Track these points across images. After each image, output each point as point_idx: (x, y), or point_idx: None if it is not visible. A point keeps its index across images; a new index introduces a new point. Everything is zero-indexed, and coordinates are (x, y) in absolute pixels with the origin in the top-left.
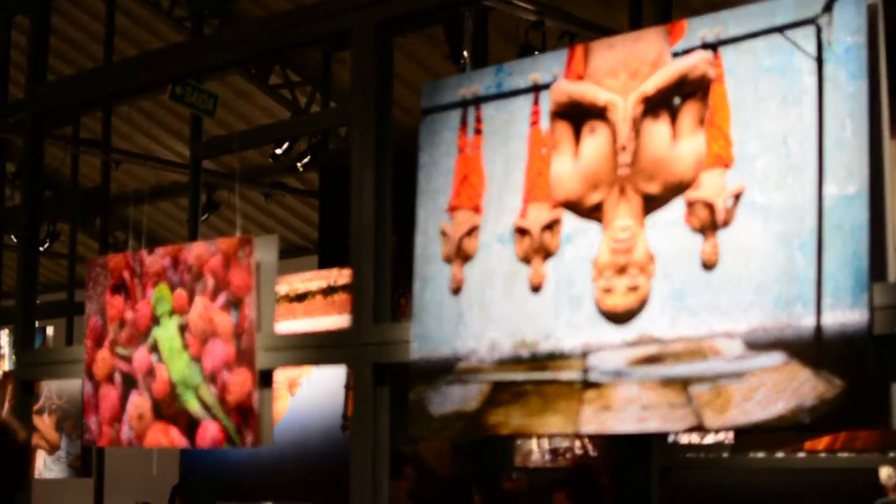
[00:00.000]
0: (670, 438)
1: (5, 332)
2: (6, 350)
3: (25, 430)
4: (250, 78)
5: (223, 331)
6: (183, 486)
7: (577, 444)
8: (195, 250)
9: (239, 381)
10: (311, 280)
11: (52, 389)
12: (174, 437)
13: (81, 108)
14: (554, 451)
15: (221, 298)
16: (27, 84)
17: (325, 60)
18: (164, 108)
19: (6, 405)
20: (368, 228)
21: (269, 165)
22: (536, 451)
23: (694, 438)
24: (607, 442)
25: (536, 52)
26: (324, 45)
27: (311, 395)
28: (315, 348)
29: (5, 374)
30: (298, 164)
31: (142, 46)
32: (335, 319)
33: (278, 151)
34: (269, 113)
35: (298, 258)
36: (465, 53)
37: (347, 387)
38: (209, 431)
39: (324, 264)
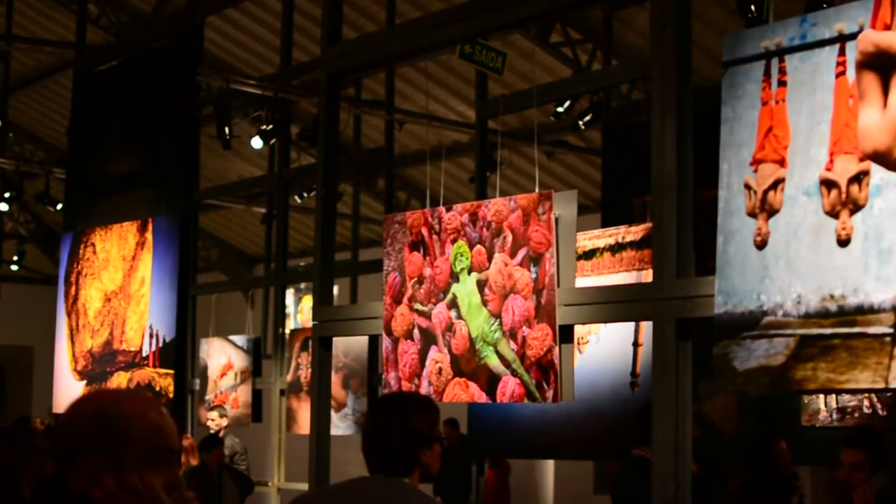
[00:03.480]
0: None
1: (290, 291)
2: (292, 309)
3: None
4: (531, 37)
5: (523, 287)
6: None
7: (866, 403)
8: (494, 207)
9: (539, 337)
10: (599, 237)
11: (338, 347)
12: (474, 393)
13: (373, 68)
14: (842, 410)
15: (521, 254)
16: (322, 45)
17: (606, 18)
18: (446, 68)
19: (293, 361)
20: (670, 183)
21: (551, 123)
22: (823, 409)
23: None
24: None
25: (825, 5)
26: (605, 2)
27: (599, 351)
28: (615, 303)
29: (292, 332)
30: (580, 122)
31: (423, 7)
32: (623, 276)
33: (560, 110)
34: (550, 71)
35: (580, 216)
36: (752, 7)
37: (636, 343)
38: (509, 387)
39: (607, 222)
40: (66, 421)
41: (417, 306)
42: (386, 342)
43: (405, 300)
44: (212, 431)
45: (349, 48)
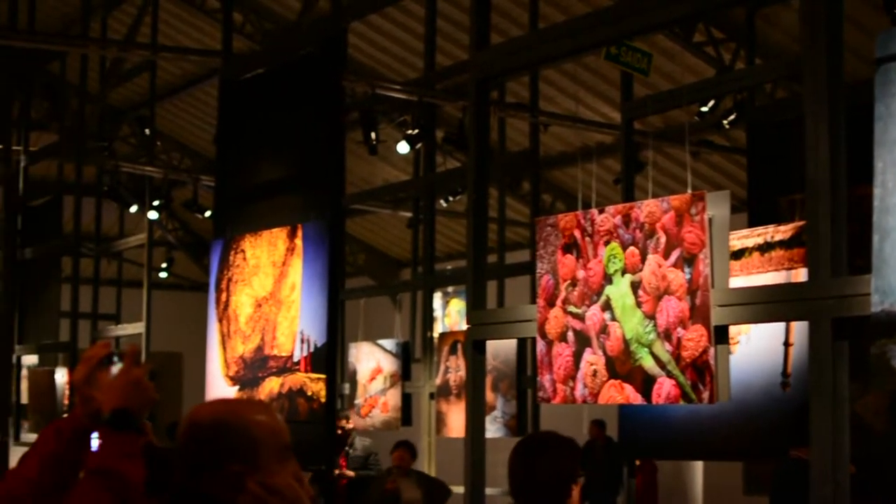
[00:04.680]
0: None
1: (438, 294)
2: (439, 312)
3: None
4: (674, 37)
5: (677, 287)
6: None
7: None
8: (647, 208)
9: (694, 338)
10: (747, 237)
11: (487, 350)
12: (629, 394)
13: (521, 72)
14: None
15: (674, 255)
16: (470, 50)
17: (748, 16)
18: (589, 69)
19: (442, 364)
20: (824, 182)
21: (695, 123)
22: None
23: None
24: None
25: None
26: (749, 1)
27: (749, 351)
28: (770, 304)
29: (441, 335)
30: (725, 122)
31: (565, 10)
32: (772, 276)
33: (704, 109)
34: (694, 71)
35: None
36: None
37: (786, 343)
38: (664, 388)
39: (754, 221)
40: (196, 432)
41: (571, 308)
42: (540, 345)
43: (559, 302)
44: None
45: (497, 53)
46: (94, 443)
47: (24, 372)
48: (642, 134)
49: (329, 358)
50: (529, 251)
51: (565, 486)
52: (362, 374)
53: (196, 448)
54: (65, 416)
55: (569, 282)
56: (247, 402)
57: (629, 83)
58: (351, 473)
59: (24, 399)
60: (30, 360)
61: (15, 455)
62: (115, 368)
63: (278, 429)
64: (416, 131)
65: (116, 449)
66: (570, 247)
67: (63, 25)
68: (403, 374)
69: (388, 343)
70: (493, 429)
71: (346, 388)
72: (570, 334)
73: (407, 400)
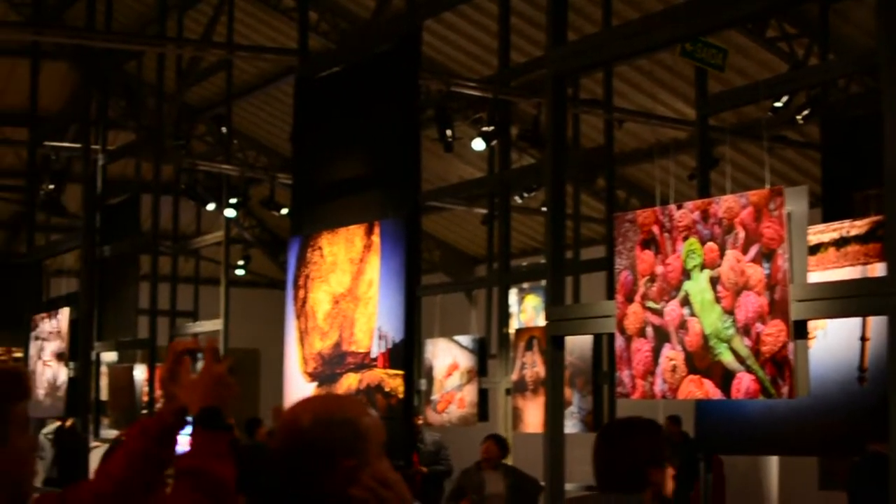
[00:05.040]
0: None
1: (513, 291)
2: (515, 308)
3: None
4: (747, 32)
5: (755, 283)
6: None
7: None
8: (725, 203)
9: (773, 333)
10: (823, 232)
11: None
12: (708, 390)
13: (597, 69)
14: None
15: (753, 251)
16: (547, 46)
17: (821, 12)
18: (662, 65)
19: (518, 360)
20: None
21: (768, 119)
22: None
23: None
24: None
25: None
26: None
27: (825, 346)
28: (848, 298)
29: (517, 331)
30: (798, 117)
31: (638, 6)
32: (848, 271)
33: (778, 105)
34: (767, 66)
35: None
36: None
37: (863, 338)
38: (743, 383)
39: (828, 216)
40: (305, 430)
41: (650, 304)
42: (619, 340)
43: (637, 298)
44: None
45: (574, 49)
46: (181, 440)
47: (104, 369)
48: (718, 130)
49: (407, 354)
50: (604, 247)
51: (646, 469)
52: (439, 369)
53: (306, 446)
54: (143, 411)
55: (647, 277)
56: (349, 399)
57: (703, 79)
58: (423, 469)
59: (104, 395)
60: (109, 356)
61: (95, 451)
62: (199, 364)
63: (380, 425)
64: (492, 128)
65: (206, 448)
66: (649, 242)
67: (140, 25)
68: (480, 370)
69: (465, 339)
70: (569, 424)
71: (423, 383)
72: (649, 329)
73: (483, 395)
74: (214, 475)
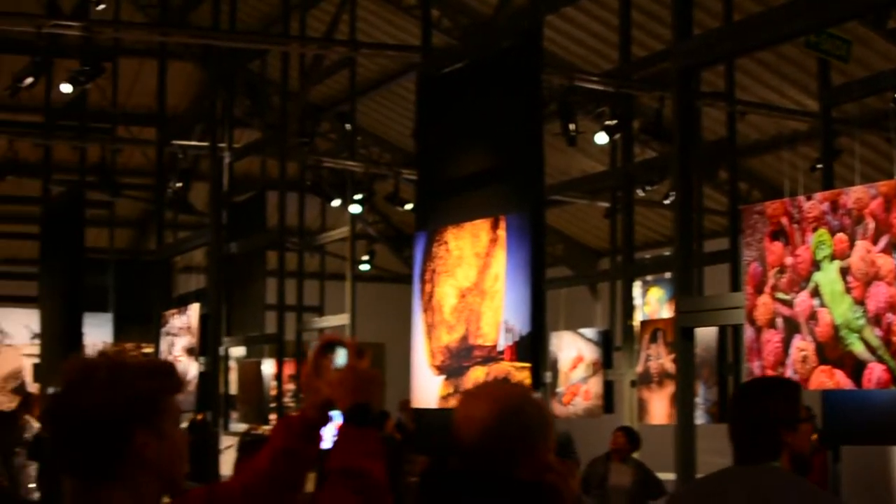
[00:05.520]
0: None
1: (637, 283)
2: (638, 301)
3: None
4: (867, 23)
5: (886, 273)
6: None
7: None
8: (854, 194)
9: None
10: None
11: None
12: (839, 380)
13: (723, 61)
14: None
15: (883, 241)
16: (674, 39)
17: None
18: (782, 57)
19: (643, 352)
20: None
21: (889, 110)
22: None
23: None
24: None
25: None
26: None
27: None
28: None
29: (642, 323)
30: None
31: (761, 1)
32: None
33: None
34: (887, 57)
35: None
36: None
37: None
38: (875, 373)
39: None
40: (505, 417)
41: (780, 295)
42: (748, 331)
43: (767, 289)
44: None
45: (699, 43)
46: (325, 436)
47: (232, 363)
48: (843, 122)
49: (534, 347)
50: (727, 239)
51: (779, 431)
52: (564, 362)
53: (507, 432)
54: (271, 405)
55: (777, 268)
56: (523, 388)
57: (826, 70)
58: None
59: (233, 390)
60: (237, 351)
61: (225, 444)
62: (339, 357)
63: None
64: (615, 122)
65: (357, 446)
66: (778, 234)
67: (263, 25)
68: (605, 363)
69: (589, 332)
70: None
71: (548, 376)
72: (779, 321)
73: (608, 388)
74: (367, 474)
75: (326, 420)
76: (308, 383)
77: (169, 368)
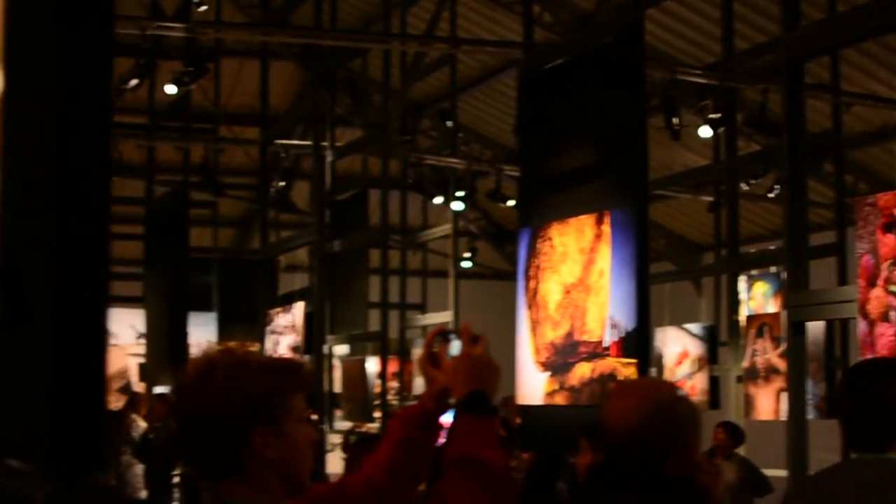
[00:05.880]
0: None
1: (742, 278)
2: (744, 296)
3: None
4: None
5: None
6: None
7: None
8: None
9: None
10: None
11: None
12: None
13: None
14: None
15: None
16: (783, 31)
17: None
18: (887, 48)
19: (749, 347)
20: None
21: None
22: None
23: None
24: None
25: None
26: None
27: None
28: None
29: (748, 318)
30: None
31: None
32: None
33: None
34: None
35: None
36: None
37: None
38: None
39: None
40: (660, 413)
41: (893, 288)
42: (861, 325)
43: (880, 282)
44: None
45: (808, 33)
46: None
47: (336, 361)
48: None
49: (640, 342)
50: (833, 232)
51: (891, 416)
52: (669, 358)
53: (655, 427)
54: (375, 403)
55: (890, 261)
56: (673, 385)
57: None
58: None
59: (337, 388)
60: (341, 349)
61: (330, 442)
62: (453, 346)
63: None
64: (718, 115)
65: (476, 435)
66: (891, 226)
67: (364, 23)
68: (710, 358)
69: (694, 327)
70: None
71: (653, 372)
72: (893, 314)
73: (714, 383)
74: (488, 463)
75: (444, 409)
76: (426, 373)
77: (294, 367)
